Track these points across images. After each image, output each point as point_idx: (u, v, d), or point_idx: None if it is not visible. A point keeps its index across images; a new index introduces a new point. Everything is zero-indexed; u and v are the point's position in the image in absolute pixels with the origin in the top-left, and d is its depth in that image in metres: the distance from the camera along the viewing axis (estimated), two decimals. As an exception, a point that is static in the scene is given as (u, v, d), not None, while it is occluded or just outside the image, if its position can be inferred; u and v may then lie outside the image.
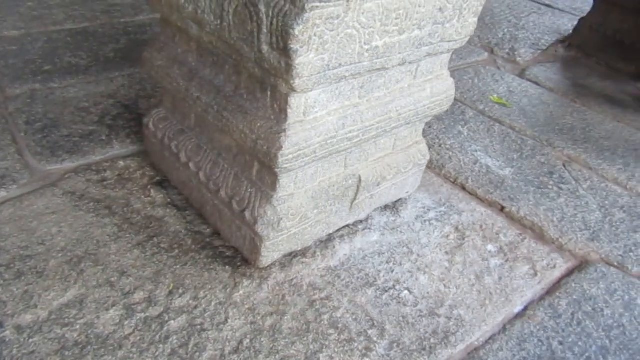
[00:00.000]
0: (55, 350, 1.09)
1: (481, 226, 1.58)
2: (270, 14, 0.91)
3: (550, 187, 1.80)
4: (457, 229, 1.56)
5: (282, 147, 1.04)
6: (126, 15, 2.68)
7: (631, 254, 1.56)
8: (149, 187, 1.54)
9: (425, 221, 1.56)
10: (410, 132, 1.42)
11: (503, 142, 2.03)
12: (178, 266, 1.31)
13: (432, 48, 1.18)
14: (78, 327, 1.14)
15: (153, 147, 1.52)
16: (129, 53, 2.30)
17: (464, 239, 1.52)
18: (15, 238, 1.34)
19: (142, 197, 1.51)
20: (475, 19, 1.23)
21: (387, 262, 1.40)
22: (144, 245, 1.36)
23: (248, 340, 1.15)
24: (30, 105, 1.86)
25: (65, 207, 1.45)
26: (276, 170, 1.08)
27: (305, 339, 1.17)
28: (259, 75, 1.03)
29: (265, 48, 0.96)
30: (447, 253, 1.46)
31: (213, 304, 1.22)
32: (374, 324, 1.23)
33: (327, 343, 1.17)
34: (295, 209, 1.22)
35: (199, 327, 1.17)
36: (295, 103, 1.04)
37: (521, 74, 2.65)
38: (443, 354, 1.19)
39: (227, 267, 1.31)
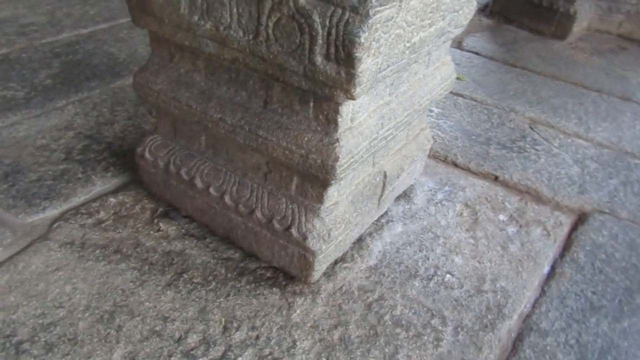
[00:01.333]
0: (127, 420, 0.99)
1: (486, 198, 1.65)
2: (327, 24, 0.87)
3: (528, 150, 1.92)
4: (466, 205, 1.61)
5: (338, 157, 1.01)
6: (47, 34, 2.43)
7: (615, 199, 1.71)
8: (155, 220, 1.43)
9: (436, 203, 1.60)
10: (419, 121, 1.44)
11: (472, 114, 2.12)
12: (221, 299, 1.23)
13: (447, 36, 1.20)
14: (142, 388, 1.04)
15: (152, 177, 1.40)
16: (68, 77, 2.09)
17: (476, 213, 1.58)
18: (26, 307, 1.18)
19: (152, 232, 1.40)
20: (475, 3, 1.26)
21: (420, 250, 1.42)
22: (176, 284, 1.26)
23: (324, 359, 1.12)
24: (-22, 152, 1.63)
25: (69, 261, 1.30)
26: (332, 181, 1.05)
27: (377, 343, 1.16)
28: (304, 87, 0.98)
29: (319, 59, 0.91)
30: (467, 230, 1.51)
31: (274, 330, 1.17)
32: (433, 313, 1.25)
33: (399, 343, 1.17)
34: (341, 216, 1.19)
35: (269, 357, 1.11)
36: (345, 111, 1.01)
37: (459, 46, 2.77)
38: (503, 327, 1.24)
39: (273, 288, 1.25)
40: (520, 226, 1.55)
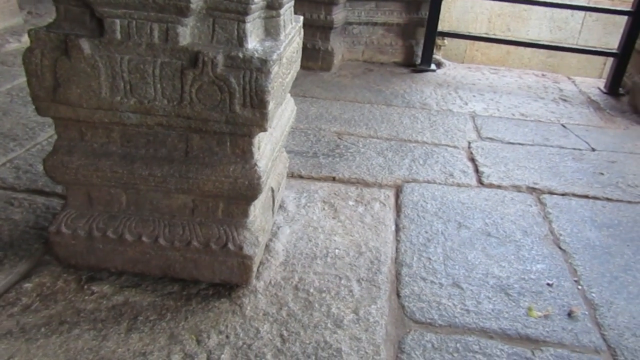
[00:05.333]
0: None
1: (335, 193, 2.17)
2: (241, 82, 1.24)
3: (345, 154, 2.52)
4: (324, 202, 2.10)
5: (260, 176, 1.38)
6: None
7: (412, 171, 2.41)
8: (85, 286, 1.54)
9: (304, 207, 2.04)
10: (281, 144, 1.87)
11: (295, 138, 2.64)
12: (182, 322, 1.45)
13: (293, 78, 1.67)
14: (157, 406, 1.22)
15: (72, 248, 1.52)
16: None
17: (333, 205, 2.08)
18: (1, 397, 1.22)
19: (87, 297, 1.51)
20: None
21: (310, 241, 1.84)
22: (136, 327, 1.43)
23: (285, 332, 1.45)
24: None
25: (18, 347, 1.35)
26: (259, 195, 1.40)
27: (315, 307, 1.54)
28: (225, 131, 1.32)
29: (238, 108, 1.27)
30: (333, 218, 2.00)
31: (237, 327, 1.45)
32: (339, 277, 1.68)
33: (328, 302, 1.56)
34: (260, 225, 1.54)
35: (244, 346, 1.39)
36: (255, 143, 1.38)
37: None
38: (385, 269, 1.74)
39: (221, 299, 1.52)
40: (365, 205, 2.11)
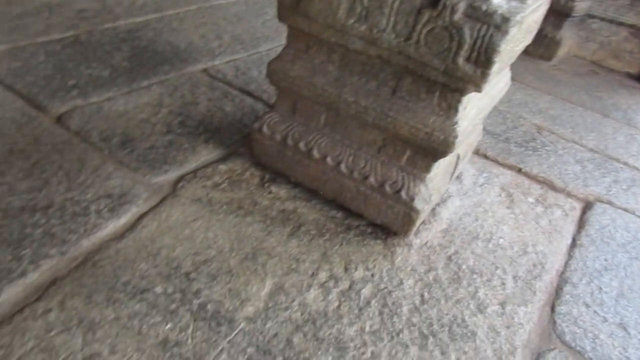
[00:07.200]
0: (293, 329, 1.27)
1: (516, 184, 2.04)
2: (475, 35, 1.20)
3: (540, 150, 2.33)
4: (502, 188, 1.99)
5: (457, 135, 1.34)
6: (105, 21, 2.62)
7: (610, 192, 2.15)
8: (265, 184, 1.70)
9: (480, 185, 1.96)
10: (485, 114, 1.79)
11: (490, 117, 2.51)
12: (336, 246, 1.53)
13: (522, 49, 1.56)
14: (296, 308, 1.32)
15: (268, 149, 1.67)
16: (140, 61, 2.30)
17: (511, 195, 1.96)
18: (181, 247, 1.43)
19: (265, 194, 1.67)
20: (536, 27, 1.64)
21: (476, 220, 1.77)
22: (297, 234, 1.54)
23: (427, 293, 1.44)
24: (90, 122, 1.84)
25: (203, 213, 1.55)
26: (449, 153, 1.38)
27: (462, 283, 1.50)
28: (440, 81, 1.31)
29: (461, 61, 1.24)
30: (507, 207, 1.89)
31: (384, 271, 1.48)
32: (496, 266, 1.60)
33: (477, 285, 1.51)
34: (437, 185, 1.52)
35: (385, 290, 1.42)
36: (464, 101, 1.34)
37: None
38: (546, 278, 1.61)
39: (377, 240, 1.57)
40: (545, 207, 1.95)
